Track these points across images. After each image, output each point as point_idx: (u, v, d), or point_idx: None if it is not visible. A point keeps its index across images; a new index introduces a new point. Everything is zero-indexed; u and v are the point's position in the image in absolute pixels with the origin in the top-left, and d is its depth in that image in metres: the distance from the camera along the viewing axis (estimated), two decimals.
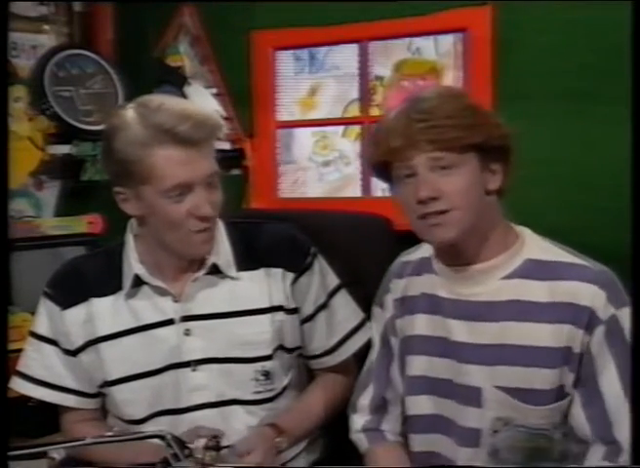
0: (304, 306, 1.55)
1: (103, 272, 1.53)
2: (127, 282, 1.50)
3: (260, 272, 1.52)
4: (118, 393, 1.50)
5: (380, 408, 1.49)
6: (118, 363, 1.49)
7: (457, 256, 1.35)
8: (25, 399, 1.59)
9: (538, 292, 1.30)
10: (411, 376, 1.42)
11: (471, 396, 1.33)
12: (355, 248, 1.78)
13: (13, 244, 2.07)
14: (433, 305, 1.40)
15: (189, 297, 1.49)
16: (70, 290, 1.53)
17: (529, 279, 1.32)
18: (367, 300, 1.61)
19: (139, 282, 1.49)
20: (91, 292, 1.51)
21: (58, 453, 1.16)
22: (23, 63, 2.39)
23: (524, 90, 1.93)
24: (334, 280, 1.60)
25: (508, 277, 1.33)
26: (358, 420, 1.51)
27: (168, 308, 1.49)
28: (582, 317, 1.26)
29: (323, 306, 1.57)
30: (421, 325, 1.41)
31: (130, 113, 1.40)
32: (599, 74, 1.85)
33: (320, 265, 1.58)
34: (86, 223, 2.47)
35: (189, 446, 1.18)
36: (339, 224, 1.86)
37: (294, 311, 1.55)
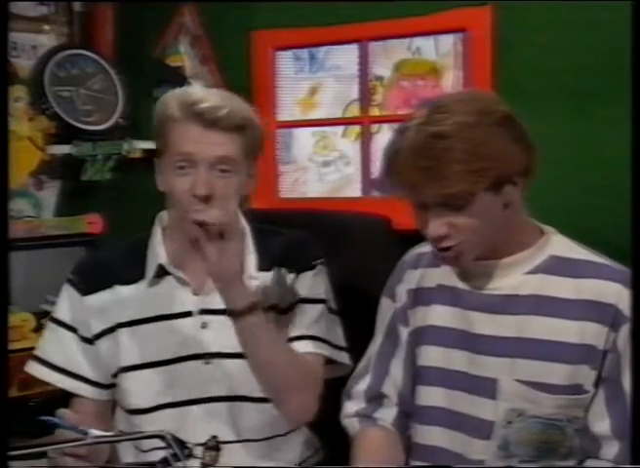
0: None
1: (128, 261, 1.55)
2: (150, 271, 1.52)
3: (271, 273, 1.54)
4: (129, 380, 1.51)
5: (375, 398, 1.48)
6: (133, 350, 1.50)
7: (482, 253, 1.35)
8: (25, 399, 1.59)
9: (561, 287, 1.31)
10: (422, 367, 1.42)
11: (486, 388, 1.34)
12: (355, 248, 1.79)
13: (13, 244, 2.07)
14: (452, 297, 1.40)
15: (209, 291, 1.49)
16: (93, 277, 1.55)
17: (552, 275, 1.33)
18: (367, 300, 1.61)
19: (161, 272, 1.51)
20: (114, 280, 1.53)
21: (57, 453, 1.16)
22: (23, 63, 2.40)
23: (524, 90, 1.93)
24: (323, 295, 1.57)
25: (532, 272, 1.34)
26: (351, 406, 1.49)
27: (187, 300, 1.51)
28: (608, 315, 1.27)
29: (303, 301, 1.54)
30: (437, 316, 1.41)
31: (174, 92, 1.50)
32: (599, 74, 1.85)
33: (321, 275, 1.57)
34: (86, 223, 2.48)
35: (189, 446, 1.18)
36: (339, 224, 1.87)
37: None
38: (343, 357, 1.58)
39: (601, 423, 1.30)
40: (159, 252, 1.52)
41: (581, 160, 1.86)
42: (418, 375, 1.44)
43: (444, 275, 1.42)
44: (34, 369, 1.56)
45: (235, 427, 1.48)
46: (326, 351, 1.54)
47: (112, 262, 1.57)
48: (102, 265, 1.57)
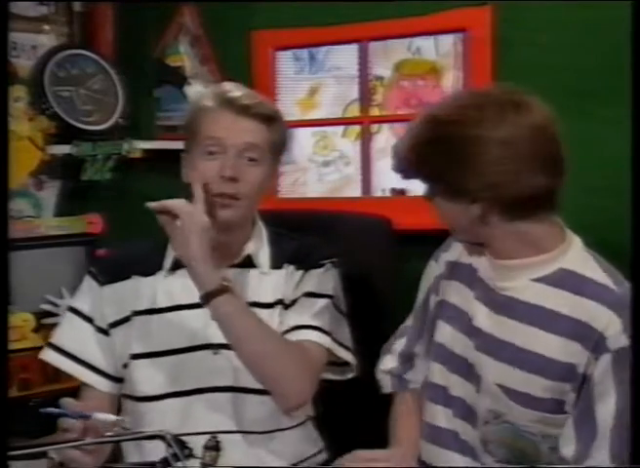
0: (294, 293, 1.56)
1: (148, 254, 1.60)
2: (168, 262, 1.56)
3: (282, 270, 1.58)
4: (139, 368, 1.53)
5: (408, 359, 1.56)
6: (146, 338, 1.53)
7: (487, 250, 1.38)
8: (25, 399, 1.59)
9: (560, 302, 1.29)
10: (434, 341, 1.45)
11: (475, 381, 1.36)
12: (355, 248, 1.78)
13: (13, 244, 2.07)
14: (473, 282, 1.41)
15: None
16: (112, 268, 1.59)
17: (556, 287, 1.30)
18: (367, 300, 1.61)
19: (179, 263, 1.53)
20: (133, 271, 1.57)
21: (57, 453, 1.16)
22: (23, 63, 2.39)
23: (523, 90, 1.93)
24: (331, 291, 1.59)
25: (538, 280, 1.32)
26: (387, 363, 1.58)
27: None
28: (592, 339, 1.24)
29: (308, 294, 1.56)
30: (459, 295, 1.43)
31: (206, 90, 1.61)
32: (599, 74, 1.85)
33: (330, 274, 1.59)
34: (86, 223, 2.48)
35: (189, 445, 1.18)
36: (339, 224, 1.87)
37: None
38: (348, 356, 1.59)
39: (567, 447, 1.27)
40: None
41: (581, 160, 1.85)
42: (431, 349, 1.47)
43: (477, 257, 1.43)
44: (48, 355, 1.59)
45: (238, 418, 1.49)
46: (327, 342, 1.54)
47: (133, 255, 1.62)
48: (123, 258, 1.64)
